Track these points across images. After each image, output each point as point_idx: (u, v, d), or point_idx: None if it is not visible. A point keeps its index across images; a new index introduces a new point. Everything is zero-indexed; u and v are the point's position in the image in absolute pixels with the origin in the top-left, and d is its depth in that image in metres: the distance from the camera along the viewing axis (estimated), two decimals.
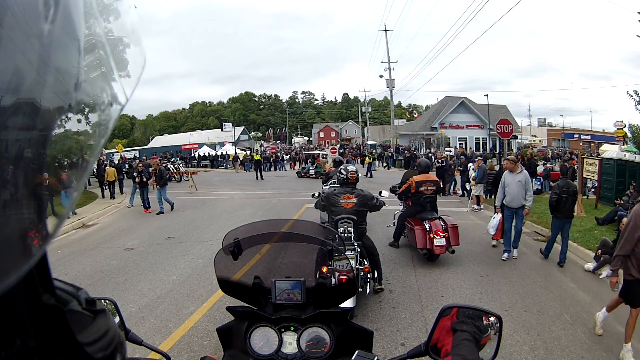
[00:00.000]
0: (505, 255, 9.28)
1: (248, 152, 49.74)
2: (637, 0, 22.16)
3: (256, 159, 33.94)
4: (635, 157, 18.52)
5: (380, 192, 8.16)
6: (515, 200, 9.30)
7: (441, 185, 11.31)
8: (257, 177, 30.87)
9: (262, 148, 61.56)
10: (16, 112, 0.42)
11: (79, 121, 0.52)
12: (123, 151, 41.27)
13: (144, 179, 16.62)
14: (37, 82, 0.44)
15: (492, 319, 1.65)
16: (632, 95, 17.31)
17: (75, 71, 0.50)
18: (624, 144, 23.52)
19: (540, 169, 21.82)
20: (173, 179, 29.31)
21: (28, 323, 0.52)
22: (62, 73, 0.48)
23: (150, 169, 17.29)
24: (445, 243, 8.36)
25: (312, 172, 31.39)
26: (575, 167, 15.83)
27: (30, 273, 0.51)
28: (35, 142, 0.46)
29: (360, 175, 7.33)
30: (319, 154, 43.93)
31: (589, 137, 56.86)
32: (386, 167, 41.86)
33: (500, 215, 9.72)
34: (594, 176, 15.61)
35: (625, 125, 21.15)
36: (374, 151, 46.16)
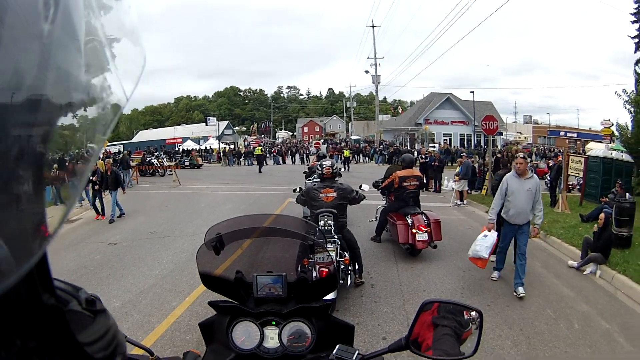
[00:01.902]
0: (496, 274, 7.59)
1: (232, 147, 49.65)
2: (629, 1, 22.58)
3: (257, 153, 35.15)
4: (622, 155, 18.76)
5: (360, 186, 8.21)
6: (522, 214, 7.16)
7: (424, 181, 11.31)
8: (259, 171, 31.96)
9: (246, 142, 61.34)
10: (16, 112, 0.42)
11: (80, 121, 0.52)
12: (108, 145, 40.93)
13: (95, 179, 13.85)
14: (37, 82, 0.44)
15: (472, 313, 1.67)
16: (620, 95, 17.52)
17: (76, 71, 0.50)
18: (611, 142, 23.87)
19: None
20: (157, 173, 29.21)
21: (28, 323, 0.52)
22: (63, 73, 0.48)
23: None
24: (427, 238, 8.41)
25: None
26: (560, 163, 15.94)
27: (30, 273, 0.51)
28: (36, 142, 0.46)
29: (341, 169, 7.40)
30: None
31: (575, 134, 57.45)
32: (362, 162, 42.26)
33: (494, 233, 7.33)
34: (579, 173, 15.78)
35: (612, 124, 21.40)
36: (358, 145, 46.30)
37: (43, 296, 0.54)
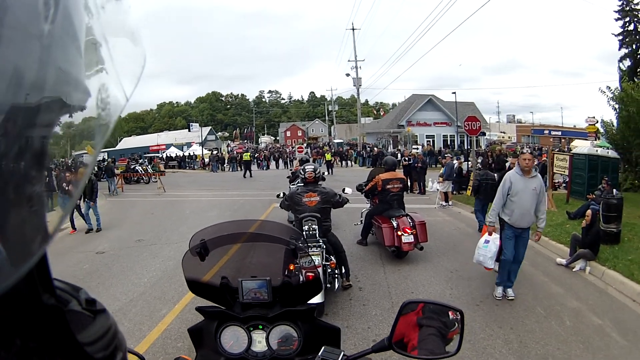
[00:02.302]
0: (500, 290, 6.80)
1: (215, 152, 49.57)
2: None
3: (245, 159, 35.04)
4: (608, 152, 19.01)
5: (343, 190, 8.23)
6: (527, 216, 6.66)
7: (408, 183, 11.38)
8: (244, 176, 32.09)
9: (229, 148, 61.21)
10: (16, 112, 0.42)
11: (80, 121, 0.53)
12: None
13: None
14: (37, 82, 0.44)
15: (455, 313, 1.69)
16: (604, 92, 17.74)
17: (76, 71, 0.51)
18: (596, 140, 24.16)
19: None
20: (142, 181, 29.06)
21: (28, 323, 0.52)
22: (63, 73, 0.49)
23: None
24: (413, 240, 8.41)
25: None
26: (545, 162, 16.11)
27: (30, 273, 0.51)
28: (36, 142, 0.46)
29: (324, 173, 7.43)
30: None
31: (559, 133, 58.02)
32: (345, 166, 42.25)
33: (497, 237, 6.83)
34: (564, 171, 15.94)
35: (597, 121, 21.67)
36: (342, 149, 46.39)
37: (43, 296, 0.54)
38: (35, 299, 0.53)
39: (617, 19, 24.74)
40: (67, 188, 0.54)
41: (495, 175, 11.93)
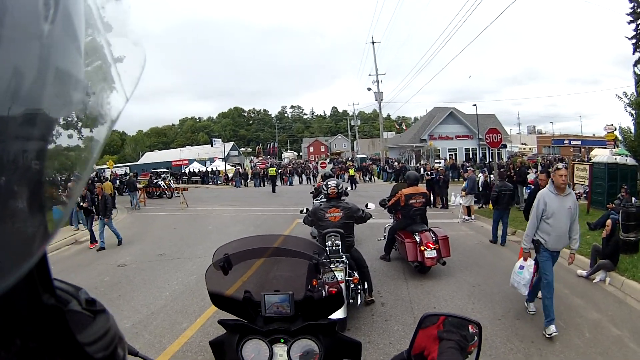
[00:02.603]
0: (532, 306, 6.62)
1: (239, 168, 49.97)
2: (624, 2, 22.61)
3: (271, 174, 35.61)
4: (627, 159, 18.63)
5: (366, 205, 8.21)
6: (563, 238, 6.16)
7: (431, 198, 11.34)
8: (273, 191, 32.34)
9: (252, 163, 61.60)
10: (16, 112, 0.42)
11: (80, 120, 0.53)
12: (114, 167, 41.23)
13: (85, 205, 13.56)
14: (37, 82, 0.44)
15: (473, 326, 1.67)
16: (621, 97, 17.43)
17: (76, 71, 0.51)
18: (615, 148, 23.74)
19: (531, 177, 21.79)
20: (164, 195, 29.33)
21: (28, 323, 0.52)
22: (63, 73, 0.49)
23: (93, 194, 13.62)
24: (436, 255, 8.36)
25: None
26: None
27: (30, 273, 0.51)
28: (36, 141, 0.46)
29: (348, 188, 7.45)
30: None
31: (579, 142, 57.28)
32: (369, 181, 41.85)
33: (532, 264, 6.42)
34: (584, 181, 15.65)
35: (615, 129, 21.29)
36: (366, 164, 46.30)
37: (43, 296, 0.54)
38: (35, 299, 0.53)
39: (629, 22, 24.27)
40: (67, 187, 0.54)
41: (518, 186, 12.07)
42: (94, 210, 13.27)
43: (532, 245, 6.27)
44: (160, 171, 46.45)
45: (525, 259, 6.43)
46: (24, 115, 0.43)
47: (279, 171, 44.96)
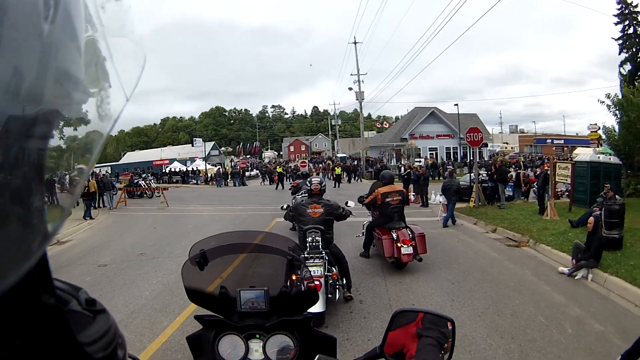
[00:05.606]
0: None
1: (220, 167, 49.86)
2: (610, 3, 22.98)
3: (279, 171, 36.90)
4: (610, 158, 18.95)
5: (346, 203, 8.27)
6: None
7: (408, 195, 11.41)
8: (282, 188, 32.76)
9: (233, 163, 61.35)
10: (16, 111, 0.43)
11: (81, 120, 0.53)
12: (95, 167, 40.74)
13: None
14: (37, 82, 0.44)
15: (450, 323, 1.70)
16: (604, 101, 17.77)
17: (76, 71, 0.51)
18: (598, 147, 24.14)
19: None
20: (145, 195, 29.12)
21: (28, 323, 0.52)
22: (63, 73, 0.49)
23: None
24: (412, 251, 8.49)
25: None
26: (547, 171, 16.06)
27: (30, 273, 0.51)
28: (36, 140, 0.47)
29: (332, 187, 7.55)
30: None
31: (562, 141, 57.93)
32: (353, 180, 41.76)
33: None
34: (567, 180, 15.91)
35: (599, 128, 21.65)
36: (349, 163, 46.22)
37: (43, 296, 0.54)
38: (35, 299, 0.53)
39: (616, 23, 24.68)
40: (67, 187, 0.54)
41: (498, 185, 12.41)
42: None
43: None
44: (140, 171, 46.15)
45: None
46: (24, 115, 0.43)
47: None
